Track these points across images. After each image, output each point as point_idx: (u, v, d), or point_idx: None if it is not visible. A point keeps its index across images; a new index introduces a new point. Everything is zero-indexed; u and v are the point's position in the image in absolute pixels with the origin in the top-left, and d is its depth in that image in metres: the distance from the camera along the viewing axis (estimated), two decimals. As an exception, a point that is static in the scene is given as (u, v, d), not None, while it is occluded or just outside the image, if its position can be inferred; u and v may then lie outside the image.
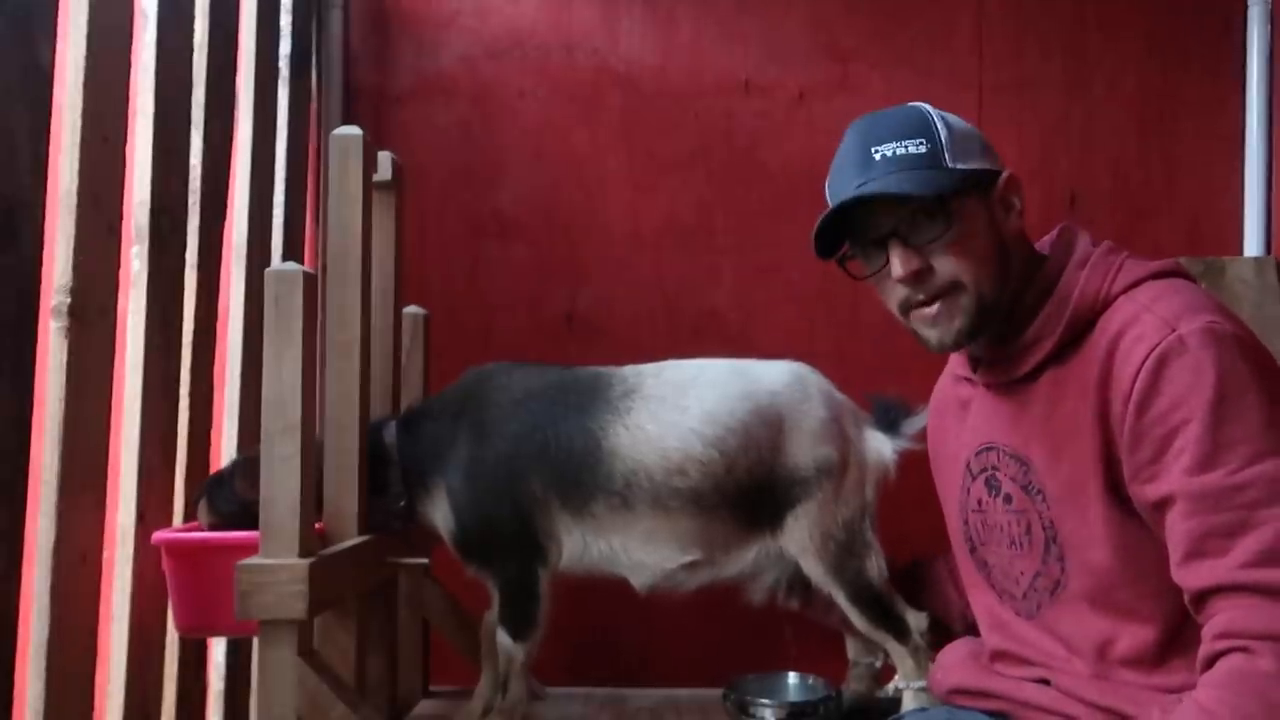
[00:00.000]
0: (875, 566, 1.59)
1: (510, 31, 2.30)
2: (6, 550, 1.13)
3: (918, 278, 1.21)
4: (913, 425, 1.64)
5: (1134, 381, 1.09)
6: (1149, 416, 1.08)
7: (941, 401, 1.47)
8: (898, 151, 1.21)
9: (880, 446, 1.63)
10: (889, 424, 1.65)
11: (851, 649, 1.81)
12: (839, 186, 1.25)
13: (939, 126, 1.22)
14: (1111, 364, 1.13)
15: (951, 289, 1.21)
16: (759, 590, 1.69)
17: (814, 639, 1.94)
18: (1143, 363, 1.08)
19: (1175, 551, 1.06)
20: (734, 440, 1.58)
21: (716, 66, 2.30)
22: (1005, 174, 1.24)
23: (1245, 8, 2.27)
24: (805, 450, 1.60)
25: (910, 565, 1.69)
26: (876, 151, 1.22)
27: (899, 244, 1.21)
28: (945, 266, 1.21)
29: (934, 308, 1.22)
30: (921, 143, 1.21)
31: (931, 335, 1.25)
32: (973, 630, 1.43)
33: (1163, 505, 1.08)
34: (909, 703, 1.58)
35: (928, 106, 1.26)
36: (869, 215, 1.23)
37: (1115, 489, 1.14)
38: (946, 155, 1.20)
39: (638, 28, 2.30)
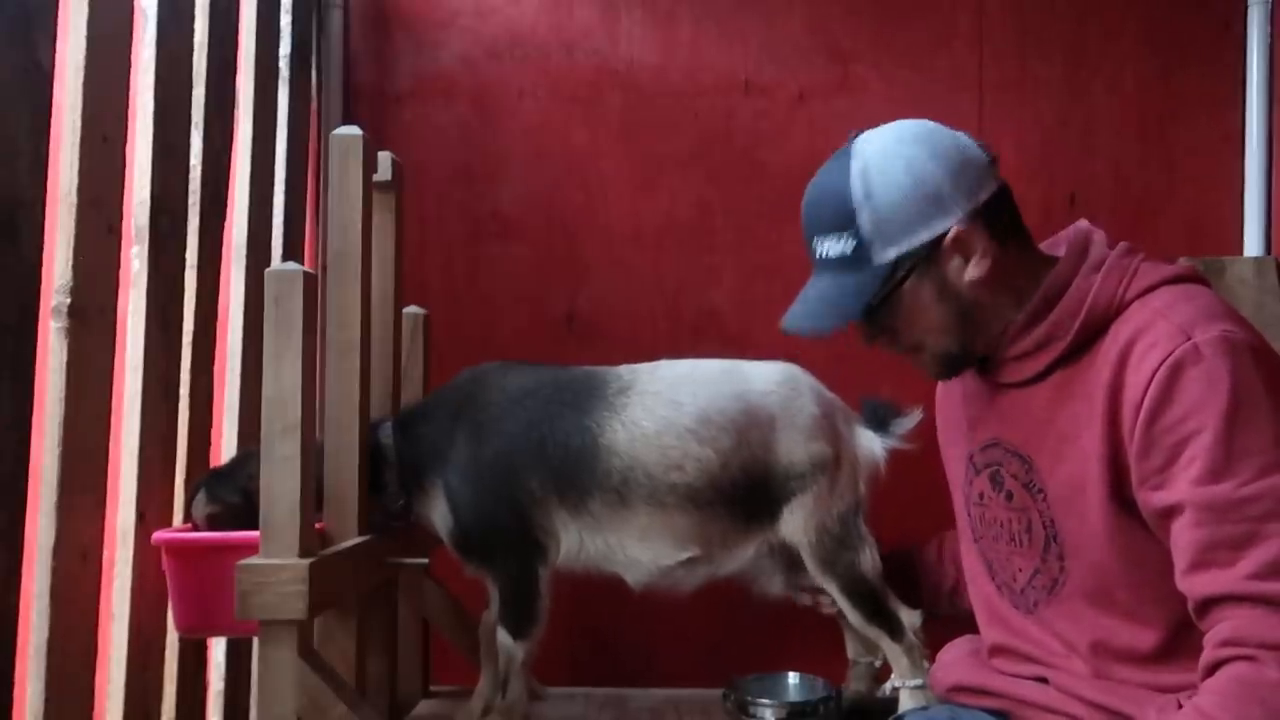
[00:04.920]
0: (869, 560, 1.60)
1: (510, 31, 2.30)
2: (6, 550, 1.13)
3: (884, 345, 1.29)
4: (902, 425, 1.66)
5: (1146, 388, 1.08)
6: (1161, 424, 1.07)
7: (947, 393, 1.47)
8: (829, 251, 1.23)
9: (871, 444, 1.65)
10: (879, 423, 1.67)
11: (851, 648, 1.81)
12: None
13: (864, 215, 1.19)
14: (1124, 369, 1.12)
15: (916, 349, 1.28)
16: (764, 585, 1.71)
17: (814, 639, 1.94)
18: (1156, 370, 1.08)
19: (1181, 560, 1.06)
20: (727, 439, 1.59)
21: (716, 66, 2.30)
22: (952, 234, 1.19)
23: (1245, 8, 2.26)
24: (799, 447, 1.61)
25: (894, 554, 1.69)
26: (815, 244, 1.26)
27: (858, 324, 1.27)
28: (903, 337, 1.27)
29: (909, 356, 1.30)
30: (847, 238, 1.20)
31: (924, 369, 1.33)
32: (958, 617, 1.44)
33: (1170, 513, 1.07)
34: (905, 701, 1.58)
35: (856, 176, 1.20)
36: None
37: (1119, 493, 1.14)
38: (874, 247, 1.19)
39: (638, 28, 2.30)
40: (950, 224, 1.19)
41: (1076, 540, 1.20)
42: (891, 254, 1.19)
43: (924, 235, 1.19)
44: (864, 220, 1.18)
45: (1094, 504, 1.16)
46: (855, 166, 1.20)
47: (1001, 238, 1.22)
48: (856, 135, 1.25)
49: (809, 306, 1.25)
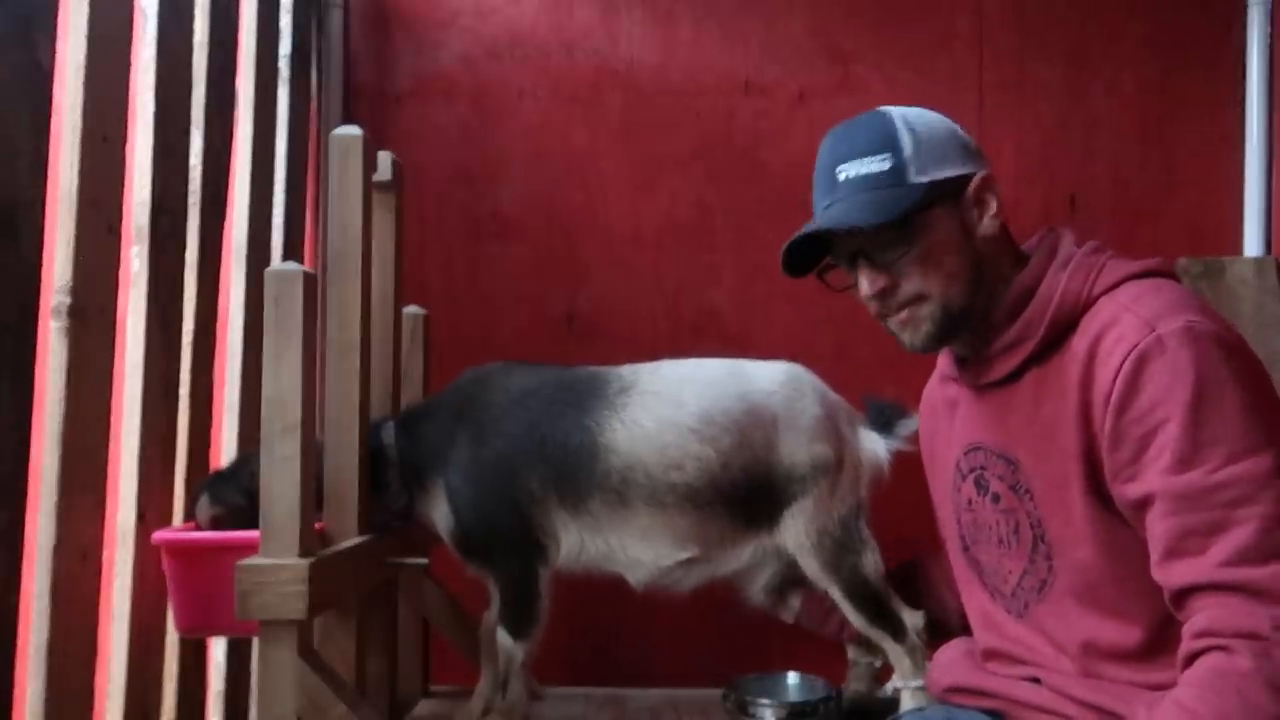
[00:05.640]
0: (871, 563, 1.60)
1: (510, 31, 2.30)
2: (6, 550, 1.13)
3: (884, 294, 1.24)
4: (906, 426, 1.65)
5: (1114, 382, 1.10)
6: (1128, 416, 1.09)
7: (931, 402, 1.47)
8: (860, 171, 1.22)
9: (874, 446, 1.65)
10: (883, 424, 1.67)
11: (851, 649, 1.81)
12: (815, 202, 1.28)
13: (904, 138, 1.21)
14: (1092, 365, 1.13)
15: (917, 300, 1.24)
16: (756, 593, 1.70)
17: (814, 639, 1.94)
18: (1122, 363, 1.09)
19: (1155, 550, 1.08)
20: (729, 439, 1.59)
21: (716, 66, 2.30)
22: (979, 176, 1.23)
23: (1245, 8, 2.27)
24: (801, 448, 1.60)
25: (903, 567, 1.69)
26: (841, 171, 1.24)
27: (865, 263, 1.24)
28: (910, 283, 1.23)
29: (901, 315, 1.25)
30: (885, 158, 1.21)
31: (904, 339, 1.28)
32: (970, 629, 1.44)
33: (1143, 504, 1.09)
34: (907, 702, 1.58)
35: (897, 114, 1.24)
36: (837, 235, 1.26)
37: (1098, 488, 1.15)
38: (911, 169, 1.20)
39: (638, 28, 2.30)
40: (977, 170, 1.24)
41: (1062, 538, 1.20)
42: (926, 178, 1.21)
43: (957, 169, 1.23)
44: (905, 142, 1.21)
45: (1075, 501, 1.17)
46: (893, 109, 1.25)
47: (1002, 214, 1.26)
48: None
49: (851, 206, 1.22)
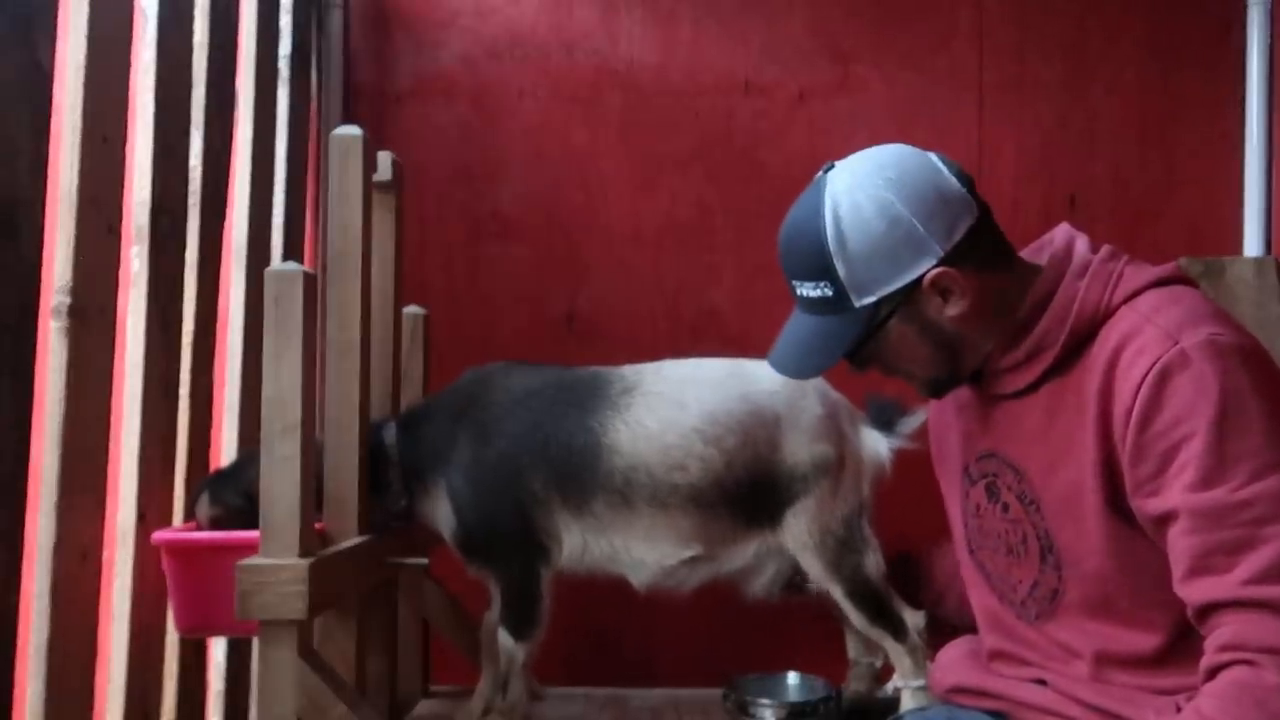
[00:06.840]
0: (873, 563, 1.60)
1: (510, 31, 2.30)
2: (6, 550, 1.13)
3: (874, 370, 1.29)
4: (908, 424, 1.65)
5: (1136, 396, 1.08)
6: (1151, 431, 1.07)
7: (940, 404, 1.47)
8: (808, 293, 1.22)
9: (876, 444, 1.65)
10: (884, 423, 1.67)
11: (852, 649, 1.81)
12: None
13: (838, 264, 1.17)
14: (1113, 377, 1.12)
15: (904, 376, 1.29)
16: (760, 586, 1.70)
17: (814, 639, 1.94)
18: (1144, 377, 1.08)
19: (1178, 567, 1.06)
20: (732, 439, 1.59)
21: (716, 66, 2.30)
22: (930, 276, 1.17)
23: (1245, 8, 2.27)
24: (803, 448, 1.61)
25: (901, 557, 1.68)
26: (794, 285, 1.25)
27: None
28: (890, 371, 1.29)
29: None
30: (825, 285, 1.20)
31: None
32: (967, 625, 1.43)
33: (1165, 520, 1.07)
34: (907, 701, 1.58)
35: (830, 229, 1.17)
36: None
37: (1115, 501, 1.14)
38: (852, 295, 1.18)
39: (638, 28, 2.30)
40: (927, 267, 1.17)
41: (1074, 550, 1.19)
42: (869, 300, 1.19)
43: (901, 280, 1.18)
44: (840, 269, 1.18)
45: (1091, 513, 1.16)
46: (827, 210, 1.18)
47: (983, 266, 1.20)
48: (829, 168, 1.23)
49: (795, 348, 1.26)
